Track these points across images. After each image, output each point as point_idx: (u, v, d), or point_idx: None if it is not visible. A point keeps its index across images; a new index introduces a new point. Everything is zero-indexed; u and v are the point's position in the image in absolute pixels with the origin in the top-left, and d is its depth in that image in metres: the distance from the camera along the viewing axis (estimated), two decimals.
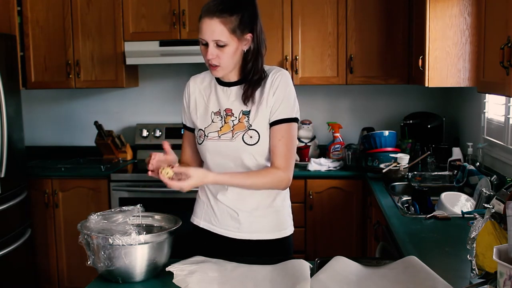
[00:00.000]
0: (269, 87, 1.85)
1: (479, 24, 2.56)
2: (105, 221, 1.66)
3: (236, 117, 1.87)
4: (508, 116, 2.89)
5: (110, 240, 1.55)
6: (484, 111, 3.29)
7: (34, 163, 4.01)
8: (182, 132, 2.11)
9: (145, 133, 4.16)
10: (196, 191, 2.09)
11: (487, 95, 3.20)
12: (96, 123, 4.03)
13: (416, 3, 3.44)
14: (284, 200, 1.97)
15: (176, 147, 4.47)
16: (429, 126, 3.80)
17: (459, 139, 3.69)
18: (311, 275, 1.54)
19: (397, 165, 3.20)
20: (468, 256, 1.62)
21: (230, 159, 1.87)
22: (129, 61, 3.82)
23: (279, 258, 1.73)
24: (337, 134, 3.90)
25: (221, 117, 1.89)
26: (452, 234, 2.08)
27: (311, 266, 1.62)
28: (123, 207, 1.76)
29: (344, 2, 3.71)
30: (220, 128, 1.88)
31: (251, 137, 1.84)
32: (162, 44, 3.82)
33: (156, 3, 3.82)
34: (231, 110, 1.88)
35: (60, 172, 3.80)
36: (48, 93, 4.34)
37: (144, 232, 1.62)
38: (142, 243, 1.57)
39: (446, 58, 3.05)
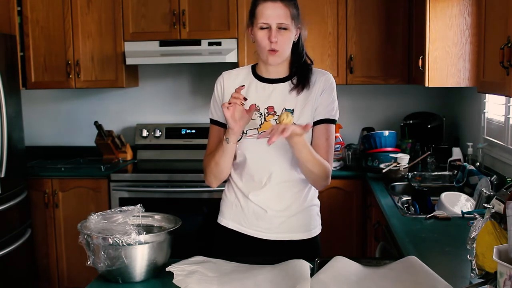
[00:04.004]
0: (317, 87, 1.88)
1: (479, 24, 2.56)
2: (105, 221, 1.66)
3: (278, 116, 1.85)
4: (508, 116, 2.89)
5: (110, 240, 1.55)
6: (484, 111, 3.29)
7: (34, 163, 4.01)
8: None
9: (145, 133, 4.16)
10: (220, 191, 2.08)
11: (487, 95, 3.20)
12: (96, 123, 4.03)
13: (416, 3, 3.44)
14: (313, 199, 1.99)
15: (176, 147, 4.47)
16: (429, 126, 3.80)
17: (459, 139, 3.69)
18: (311, 275, 1.54)
19: (397, 165, 3.20)
20: (468, 256, 1.62)
21: (270, 157, 1.86)
22: (129, 61, 3.82)
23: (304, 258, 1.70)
24: (337, 134, 3.90)
25: (261, 114, 1.87)
26: (452, 234, 2.08)
27: (311, 266, 1.62)
28: (123, 207, 1.75)
29: (344, 2, 3.71)
30: (260, 125, 1.87)
31: None
32: (162, 44, 3.82)
33: (156, 3, 3.82)
34: (273, 108, 1.87)
35: (60, 172, 3.80)
36: (48, 93, 4.34)
37: (144, 232, 1.62)
38: (142, 243, 1.57)
39: (446, 58, 3.05)
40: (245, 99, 1.75)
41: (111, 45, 3.89)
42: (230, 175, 1.98)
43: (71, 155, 4.26)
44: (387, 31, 3.73)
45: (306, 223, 1.95)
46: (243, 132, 1.87)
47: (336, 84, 4.12)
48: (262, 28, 1.81)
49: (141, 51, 3.83)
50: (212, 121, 1.98)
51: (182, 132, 4.14)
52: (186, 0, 3.78)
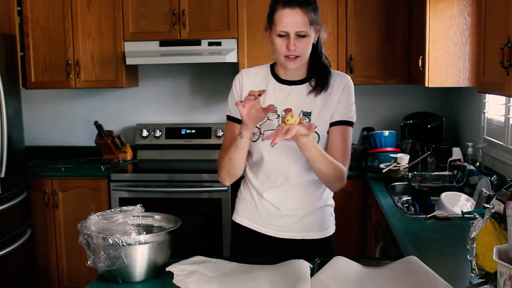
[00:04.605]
0: (336, 90, 1.87)
1: (479, 24, 2.56)
2: (105, 221, 1.66)
3: (283, 116, 1.85)
4: (508, 116, 2.89)
5: (110, 240, 1.55)
6: (484, 111, 3.29)
7: (34, 163, 4.01)
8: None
9: (145, 133, 4.16)
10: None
11: (487, 95, 3.20)
12: (96, 123, 4.03)
13: (416, 3, 3.44)
14: (327, 199, 1.98)
15: (176, 147, 4.45)
16: (429, 126, 3.80)
17: (459, 139, 3.69)
18: (311, 275, 1.54)
19: (397, 165, 3.20)
20: (468, 256, 1.62)
21: (287, 158, 1.86)
22: (129, 61, 3.82)
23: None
24: None
25: (278, 116, 1.87)
26: (452, 234, 2.08)
27: (311, 266, 1.62)
28: (123, 207, 1.75)
29: (344, 2, 3.71)
30: (277, 126, 1.85)
31: None
32: (162, 44, 3.82)
33: (156, 3, 3.82)
34: (291, 110, 1.86)
35: (60, 172, 3.80)
36: (48, 93, 4.34)
37: (144, 232, 1.63)
38: (142, 243, 1.57)
39: (446, 58, 3.05)
40: (259, 95, 1.72)
41: (111, 45, 3.89)
42: (246, 173, 1.99)
43: (71, 155, 4.26)
44: (387, 31, 3.73)
45: (320, 223, 1.95)
46: (260, 133, 1.87)
47: None
48: (280, 36, 1.80)
49: (141, 51, 3.83)
50: (229, 118, 1.97)
51: (182, 132, 4.14)
52: (186, 0, 3.78)
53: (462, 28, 3.02)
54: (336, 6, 3.72)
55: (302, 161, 1.86)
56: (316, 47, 1.89)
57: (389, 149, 3.49)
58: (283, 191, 1.90)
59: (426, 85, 3.10)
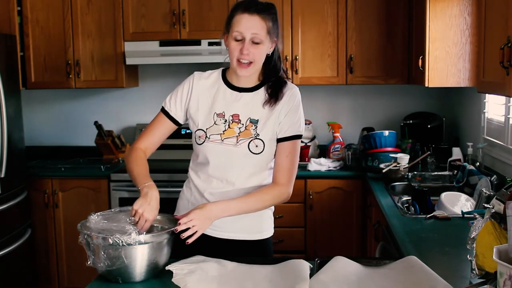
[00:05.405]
0: (283, 103, 1.88)
1: (479, 24, 2.56)
2: (105, 221, 1.66)
3: (243, 124, 1.87)
4: (508, 116, 2.89)
5: (110, 240, 1.55)
6: (484, 111, 3.29)
7: (34, 163, 4.01)
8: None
9: None
10: (179, 191, 2.11)
11: (487, 95, 3.20)
12: (96, 123, 4.03)
13: (416, 3, 3.44)
14: None
15: (176, 147, 4.45)
16: (429, 126, 3.80)
17: (459, 139, 3.70)
18: (311, 275, 1.54)
19: (397, 165, 3.20)
20: (468, 256, 1.62)
21: (232, 164, 1.88)
22: (129, 61, 3.82)
23: (272, 259, 1.74)
24: (337, 134, 3.90)
25: (225, 121, 1.89)
26: (452, 234, 2.09)
27: (311, 266, 1.62)
28: (123, 207, 1.76)
29: (344, 2, 3.71)
30: (223, 131, 1.88)
31: (256, 146, 1.86)
32: (162, 44, 3.82)
33: (156, 3, 3.82)
34: (239, 116, 1.88)
35: (60, 172, 3.80)
36: (48, 93, 4.34)
37: (144, 232, 1.63)
38: (142, 243, 1.57)
39: (446, 58, 3.06)
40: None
41: (111, 45, 3.89)
42: (189, 173, 2.02)
43: (71, 155, 4.26)
44: (387, 31, 3.73)
45: (259, 225, 1.96)
46: (206, 136, 1.89)
47: (336, 84, 4.14)
48: (236, 40, 1.82)
49: (141, 51, 3.83)
50: (164, 111, 2.00)
51: (182, 132, 4.14)
52: (186, 0, 3.78)
53: (462, 28, 3.03)
54: (336, 6, 3.73)
55: (247, 167, 1.88)
56: (271, 58, 1.91)
57: (389, 149, 3.50)
58: (225, 194, 1.90)
59: (426, 85, 3.10)
